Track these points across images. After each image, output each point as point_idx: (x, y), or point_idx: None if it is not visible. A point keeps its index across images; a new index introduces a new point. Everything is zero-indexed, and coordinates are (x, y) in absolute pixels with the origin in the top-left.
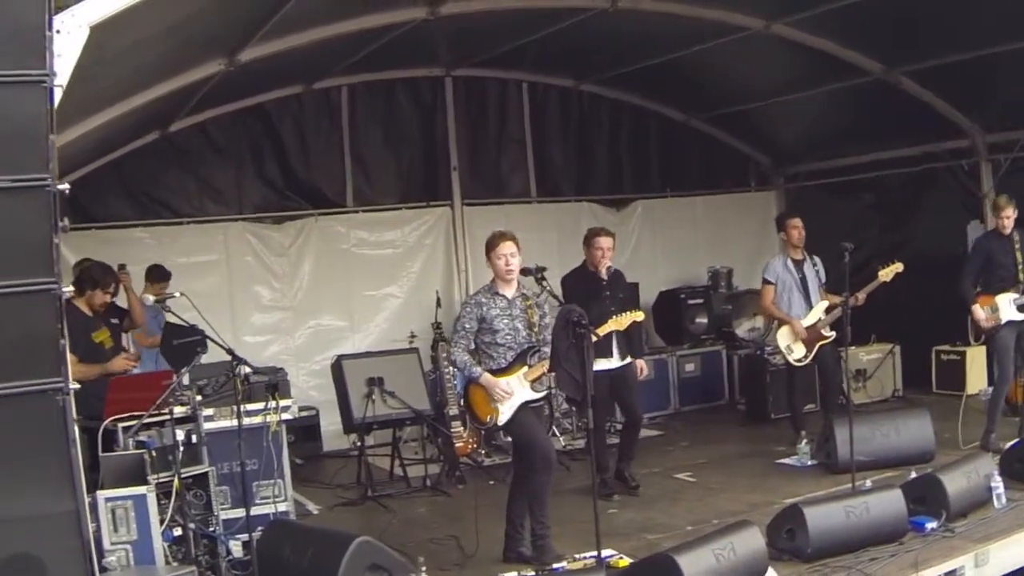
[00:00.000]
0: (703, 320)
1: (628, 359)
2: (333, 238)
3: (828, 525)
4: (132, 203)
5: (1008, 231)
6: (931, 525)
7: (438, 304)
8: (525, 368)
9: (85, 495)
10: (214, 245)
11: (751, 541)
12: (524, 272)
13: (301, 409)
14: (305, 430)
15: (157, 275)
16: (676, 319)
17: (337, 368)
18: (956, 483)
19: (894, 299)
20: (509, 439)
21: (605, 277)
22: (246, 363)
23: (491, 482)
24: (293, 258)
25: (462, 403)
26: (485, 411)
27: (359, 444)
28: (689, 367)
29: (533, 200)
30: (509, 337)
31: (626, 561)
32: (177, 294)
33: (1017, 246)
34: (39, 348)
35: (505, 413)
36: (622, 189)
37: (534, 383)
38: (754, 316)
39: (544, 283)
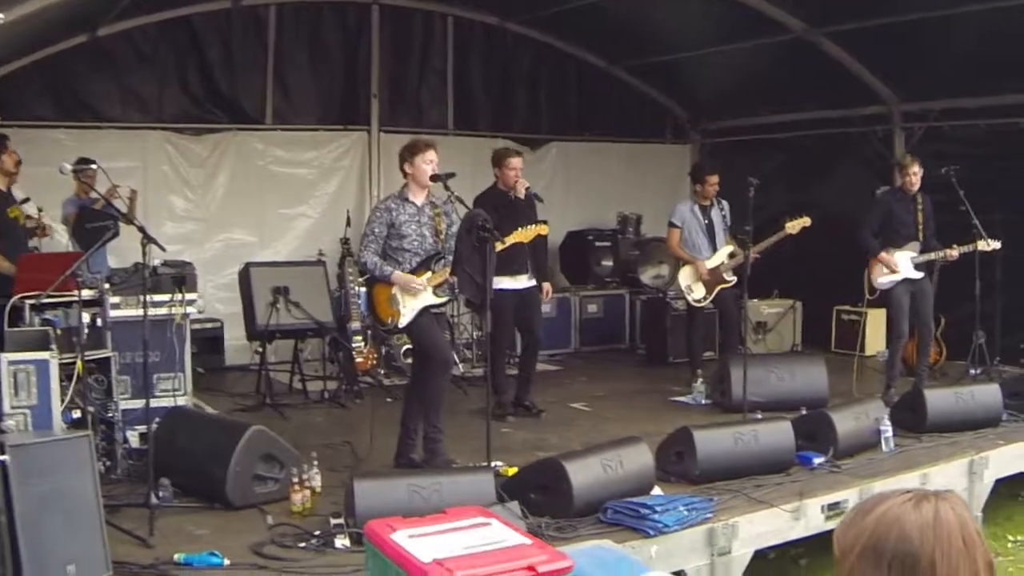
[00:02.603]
0: (609, 263)
1: (535, 281)
2: (250, 154)
3: (716, 450)
4: (55, 104)
5: (913, 190)
6: (818, 460)
7: (348, 223)
8: (429, 273)
9: None
10: (133, 152)
11: (640, 457)
12: (433, 179)
13: (206, 321)
14: (208, 342)
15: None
16: (582, 260)
17: (245, 275)
18: (845, 423)
19: (800, 257)
20: (409, 361)
21: (522, 196)
22: (156, 242)
23: (388, 399)
24: (209, 170)
25: (365, 307)
26: (387, 312)
27: (261, 351)
28: (592, 308)
29: (450, 132)
30: (416, 243)
31: (515, 469)
32: (93, 166)
33: (920, 207)
34: None
35: (406, 316)
36: (539, 129)
37: (437, 288)
38: (660, 264)
39: (451, 189)
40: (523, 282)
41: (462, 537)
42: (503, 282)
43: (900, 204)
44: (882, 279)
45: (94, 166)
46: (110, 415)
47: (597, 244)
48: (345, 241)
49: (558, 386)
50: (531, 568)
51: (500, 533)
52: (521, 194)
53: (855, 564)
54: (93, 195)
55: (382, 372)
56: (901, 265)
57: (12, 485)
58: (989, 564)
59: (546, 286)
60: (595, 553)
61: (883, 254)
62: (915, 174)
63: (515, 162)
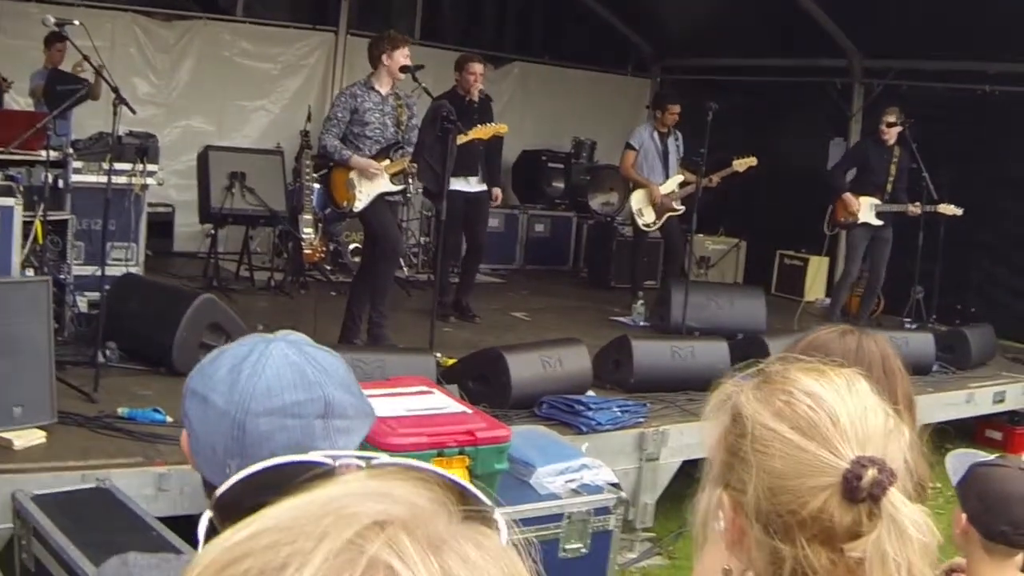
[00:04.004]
0: (560, 185)
1: (485, 186)
2: (218, 44)
3: (653, 361)
4: None
5: (889, 141)
6: None
7: (308, 119)
8: (387, 161)
9: None
10: (102, 31)
11: (578, 359)
12: (403, 69)
13: (158, 205)
14: (159, 226)
15: (53, 37)
16: (534, 180)
17: (203, 158)
18: (780, 348)
19: (748, 198)
20: (356, 259)
21: (476, 100)
22: (127, 104)
23: (332, 293)
24: (175, 57)
25: (318, 196)
26: (343, 195)
27: (212, 235)
28: (539, 227)
29: (416, 43)
30: (378, 131)
31: (454, 360)
32: (76, 22)
33: (895, 160)
34: None
35: (362, 200)
36: (503, 48)
37: (394, 176)
38: (610, 191)
39: (419, 80)
40: (474, 185)
41: (406, 401)
42: (455, 183)
43: (875, 152)
44: (841, 219)
45: (76, 22)
46: (62, 277)
47: (550, 165)
48: (305, 134)
49: (500, 297)
50: (470, 433)
51: (442, 401)
52: (475, 97)
53: None
54: (52, 68)
55: (328, 268)
56: (863, 210)
57: None
58: (909, 398)
59: (496, 191)
60: (530, 434)
61: (847, 195)
62: (889, 124)
63: (476, 67)
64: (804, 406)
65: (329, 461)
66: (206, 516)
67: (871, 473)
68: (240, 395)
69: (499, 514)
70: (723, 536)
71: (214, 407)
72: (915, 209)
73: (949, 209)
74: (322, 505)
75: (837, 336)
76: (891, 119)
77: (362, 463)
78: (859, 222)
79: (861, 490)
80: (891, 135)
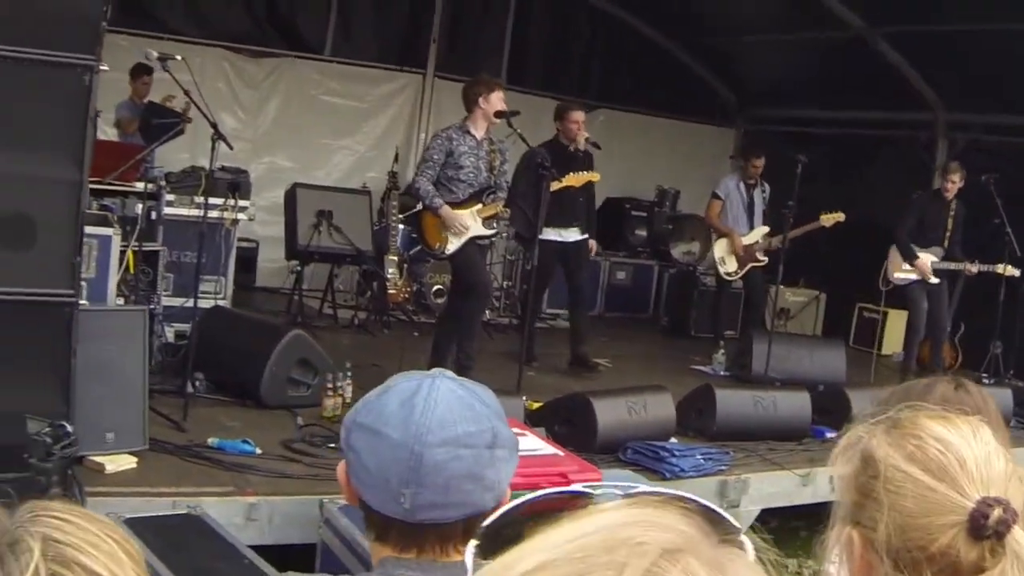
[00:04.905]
0: (642, 233)
1: (585, 235)
2: (305, 82)
3: (735, 410)
4: (119, 9)
5: (949, 196)
6: (831, 435)
7: (396, 159)
8: (480, 205)
9: (88, 173)
10: (190, 66)
11: (663, 405)
12: (499, 115)
13: (242, 240)
14: (242, 261)
15: (141, 70)
16: (617, 227)
17: (291, 195)
18: (862, 402)
19: (829, 251)
20: (438, 301)
21: (582, 149)
22: (225, 139)
23: (415, 333)
24: (263, 93)
25: (413, 235)
26: (435, 239)
27: (298, 271)
28: (620, 275)
29: (504, 87)
30: (472, 175)
31: (540, 404)
32: (178, 57)
33: (952, 214)
34: (82, 25)
35: (454, 244)
36: (589, 95)
37: (486, 221)
38: (692, 240)
39: (514, 126)
40: (573, 235)
41: None
42: (548, 233)
43: (934, 207)
44: (898, 274)
45: (179, 57)
46: (152, 307)
47: (633, 213)
48: (392, 175)
49: None
50: (563, 475)
51: (534, 443)
52: (581, 145)
53: None
54: (147, 101)
55: (411, 308)
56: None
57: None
58: (1006, 446)
59: (592, 243)
60: (617, 478)
61: (920, 261)
62: (953, 182)
63: (577, 115)
64: (934, 450)
65: (589, 491)
66: (472, 545)
67: (996, 512)
68: (416, 427)
69: (744, 535)
70: (852, 572)
71: (388, 439)
72: (972, 268)
73: (1008, 270)
74: (604, 536)
75: (940, 386)
76: (956, 176)
77: (619, 492)
78: (916, 278)
79: (987, 528)
80: (953, 191)
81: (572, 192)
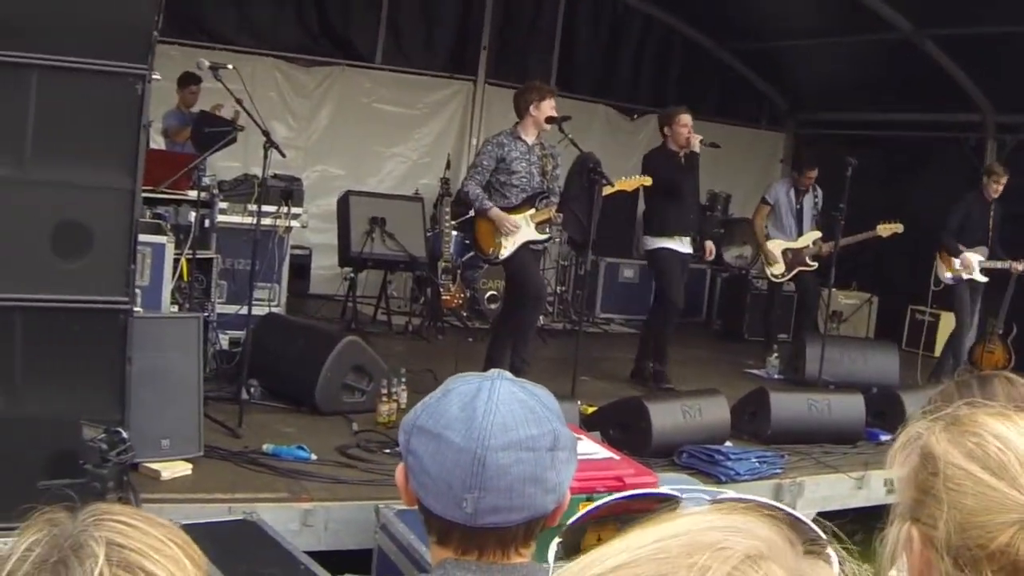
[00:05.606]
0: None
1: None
2: (356, 90)
3: (790, 413)
4: (169, 20)
5: (994, 197)
6: (885, 438)
7: (448, 166)
8: (533, 210)
9: (140, 182)
10: (242, 74)
11: (718, 409)
12: (550, 120)
13: (295, 247)
14: (295, 268)
15: (189, 79)
16: None
17: (344, 202)
18: (915, 404)
19: (881, 254)
20: (492, 307)
21: (698, 151)
22: (278, 148)
23: (469, 339)
24: (315, 102)
25: (465, 241)
26: (489, 244)
27: (352, 277)
28: None
29: (556, 93)
30: (524, 180)
31: (594, 408)
32: (230, 66)
33: (992, 213)
34: (133, 34)
35: (508, 248)
36: (638, 100)
37: (539, 225)
38: (743, 244)
39: (565, 132)
40: (687, 246)
41: None
42: (669, 243)
43: (977, 208)
44: (948, 274)
45: (231, 66)
46: (206, 314)
47: None
48: (445, 182)
49: (635, 347)
50: (619, 478)
51: (591, 447)
52: (696, 148)
53: None
54: (194, 110)
55: (464, 314)
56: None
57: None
58: None
59: (709, 244)
60: (673, 481)
61: (966, 254)
62: (998, 183)
63: (685, 118)
64: (994, 447)
65: (676, 494)
66: (555, 543)
67: None
68: (478, 431)
69: (831, 548)
70: (911, 569)
71: (450, 443)
72: (1018, 266)
73: None
74: (688, 539)
75: (995, 382)
76: (1004, 178)
77: (707, 497)
78: (964, 278)
79: None
80: (998, 192)
81: (690, 200)
